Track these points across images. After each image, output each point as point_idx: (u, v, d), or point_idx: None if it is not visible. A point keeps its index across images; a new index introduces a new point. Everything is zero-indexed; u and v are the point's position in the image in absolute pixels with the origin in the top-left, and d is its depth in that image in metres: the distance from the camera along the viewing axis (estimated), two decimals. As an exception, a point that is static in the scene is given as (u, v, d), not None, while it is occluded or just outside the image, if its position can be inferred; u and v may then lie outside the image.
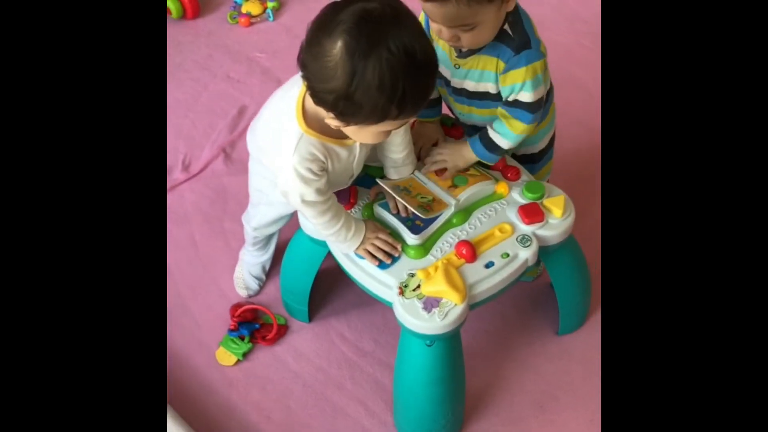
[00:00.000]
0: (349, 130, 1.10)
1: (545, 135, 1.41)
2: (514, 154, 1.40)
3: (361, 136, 1.11)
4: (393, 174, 1.32)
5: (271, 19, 2.16)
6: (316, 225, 1.23)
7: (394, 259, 1.24)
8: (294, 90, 1.15)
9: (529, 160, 1.41)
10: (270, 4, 2.17)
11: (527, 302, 1.57)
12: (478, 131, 1.35)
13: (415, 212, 1.25)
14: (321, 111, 1.07)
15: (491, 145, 1.30)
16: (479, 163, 1.34)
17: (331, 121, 1.07)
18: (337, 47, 0.96)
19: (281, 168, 1.15)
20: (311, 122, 1.13)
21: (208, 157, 1.83)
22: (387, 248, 1.23)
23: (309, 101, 1.10)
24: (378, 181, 1.29)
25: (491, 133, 1.29)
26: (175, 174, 1.80)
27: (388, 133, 1.11)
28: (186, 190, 1.78)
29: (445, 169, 1.32)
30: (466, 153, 1.32)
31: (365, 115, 1.02)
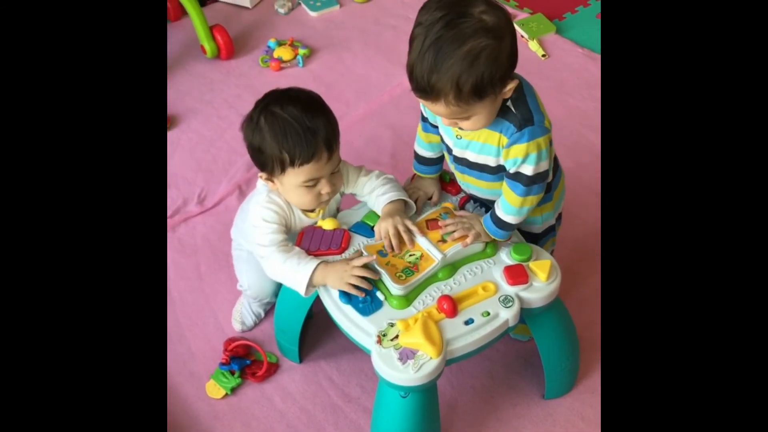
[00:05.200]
0: (281, 189, 1.36)
1: (545, 221, 1.41)
2: (519, 228, 1.38)
3: (290, 194, 1.35)
4: (382, 203, 1.39)
5: (301, 65, 2.24)
6: (269, 246, 1.34)
7: (377, 307, 1.26)
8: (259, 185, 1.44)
9: (531, 239, 1.41)
10: (301, 51, 2.26)
11: (518, 362, 1.57)
12: (479, 201, 1.39)
13: (391, 289, 1.27)
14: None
15: (498, 221, 1.30)
16: None
17: (266, 182, 1.37)
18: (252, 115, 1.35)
19: (251, 214, 1.38)
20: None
21: (223, 193, 1.89)
22: (366, 274, 1.27)
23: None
24: (362, 249, 1.33)
25: (496, 207, 1.31)
26: (190, 206, 1.87)
27: (310, 192, 1.33)
28: (198, 223, 1.83)
29: (465, 236, 1.31)
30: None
31: (269, 163, 1.31)
